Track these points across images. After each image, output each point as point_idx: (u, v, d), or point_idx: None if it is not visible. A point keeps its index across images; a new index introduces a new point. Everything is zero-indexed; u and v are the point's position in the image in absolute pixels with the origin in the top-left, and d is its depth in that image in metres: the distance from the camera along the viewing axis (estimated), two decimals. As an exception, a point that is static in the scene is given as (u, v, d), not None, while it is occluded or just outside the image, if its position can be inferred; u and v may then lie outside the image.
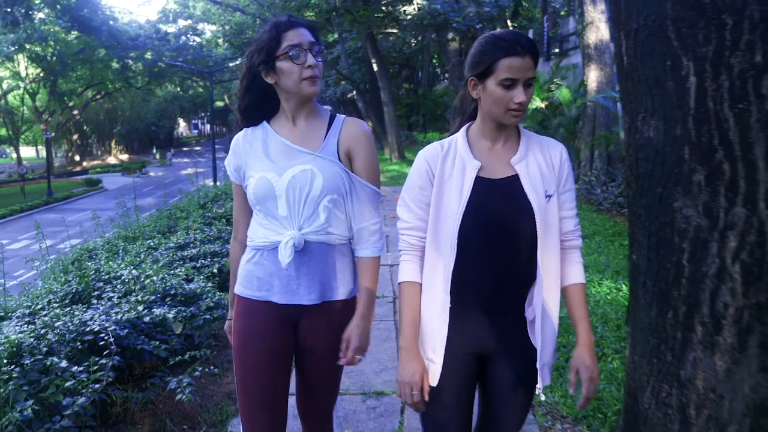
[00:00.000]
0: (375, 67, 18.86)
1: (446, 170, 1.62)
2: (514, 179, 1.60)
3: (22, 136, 41.48)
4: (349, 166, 1.79)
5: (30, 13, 25.26)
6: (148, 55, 34.38)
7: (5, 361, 2.55)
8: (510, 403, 1.69)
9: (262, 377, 1.81)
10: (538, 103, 10.44)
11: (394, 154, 19.20)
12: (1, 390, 2.41)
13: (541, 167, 1.63)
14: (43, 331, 2.86)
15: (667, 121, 1.73)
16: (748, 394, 1.71)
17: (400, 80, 29.69)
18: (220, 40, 32.57)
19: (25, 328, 2.95)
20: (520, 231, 1.58)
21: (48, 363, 2.52)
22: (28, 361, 2.58)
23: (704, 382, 1.76)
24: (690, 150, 1.69)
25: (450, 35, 14.89)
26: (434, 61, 28.11)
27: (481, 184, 1.59)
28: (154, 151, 51.46)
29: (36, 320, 3.12)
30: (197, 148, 61.93)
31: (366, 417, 2.96)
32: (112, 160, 48.03)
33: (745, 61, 1.58)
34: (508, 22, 19.31)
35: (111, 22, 32.41)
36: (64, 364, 2.53)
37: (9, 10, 22.31)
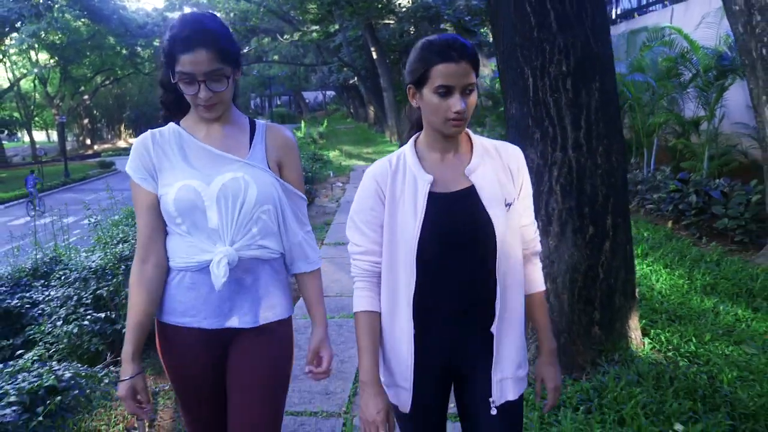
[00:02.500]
0: (374, 55, 20.02)
1: (397, 188, 1.51)
2: (470, 191, 1.49)
3: (34, 120, 42.78)
4: (278, 174, 1.66)
5: (51, 4, 26.49)
6: (156, 42, 35.35)
7: (115, 262, 3.85)
8: (491, 423, 1.56)
9: (206, 416, 1.72)
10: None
11: (393, 137, 20.44)
12: (115, 279, 3.71)
13: (499, 174, 1.52)
14: (132, 247, 4.16)
15: (520, 104, 2.97)
16: (567, 260, 2.97)
17: (400, 66, 30.65)
18: (226, 27, 33.47)
19: (119, 248, 4.25)
20: (480, 245, 1.48)
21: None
22: (128, 264, 3.88)
23: (543, 254, 3.03)
24: (531, 120, 2.93)
25: (443, 26, 16.06)
26: (433, 47, 29.06)
27: (435, 199, 1.48)
28: (162, 135, 52.57)
29: (120, 245, 4.42)
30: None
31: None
32: (121, 143, 49.33)
33: (557, 70, 2.83)
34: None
35: (121, 11, 33.51)
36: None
37: (34, 3, 23.63)
